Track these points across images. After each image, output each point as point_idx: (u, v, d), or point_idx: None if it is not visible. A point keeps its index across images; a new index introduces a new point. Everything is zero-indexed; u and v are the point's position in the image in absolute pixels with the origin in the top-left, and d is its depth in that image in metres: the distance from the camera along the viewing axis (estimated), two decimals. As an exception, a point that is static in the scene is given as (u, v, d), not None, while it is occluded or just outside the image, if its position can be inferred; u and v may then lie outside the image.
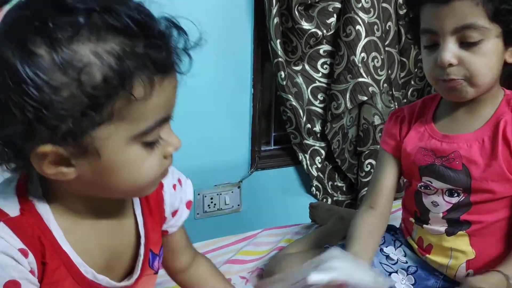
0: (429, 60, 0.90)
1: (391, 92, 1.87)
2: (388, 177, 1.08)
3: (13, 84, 0.48)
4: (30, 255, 0.57)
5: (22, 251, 0.56)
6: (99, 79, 0.50)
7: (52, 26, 0.48)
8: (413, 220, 1.05)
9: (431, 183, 0.97)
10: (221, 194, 1.87)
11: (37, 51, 0.48)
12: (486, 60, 0.84)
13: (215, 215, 1.88)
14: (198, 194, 1.84)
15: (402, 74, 1.95)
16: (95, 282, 0.64)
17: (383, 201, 1.08)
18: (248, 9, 1.71)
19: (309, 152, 1.89)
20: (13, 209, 0.58)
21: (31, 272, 0.58)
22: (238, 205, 1.92)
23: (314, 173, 1.91)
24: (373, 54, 1.77)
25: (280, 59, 1.71)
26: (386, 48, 1.83)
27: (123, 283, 0.68)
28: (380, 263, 1.08)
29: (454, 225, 0.97)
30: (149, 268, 0.72)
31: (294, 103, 1.79)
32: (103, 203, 0.64)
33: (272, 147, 1.98)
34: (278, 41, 1.68)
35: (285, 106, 1.81)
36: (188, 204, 0.80)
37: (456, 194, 0.94)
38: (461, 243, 0.97)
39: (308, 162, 1.90)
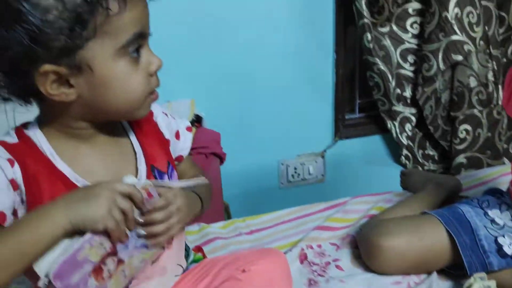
0: None
1: (488, 51, 1.71)
2: None
3: (9, 14, 0.59)
4: (16, 166, 0.65)
5: (9, 160, 0.65)
6: None
7: None
8: None
9: None
10: (304, 164, 1.84)
11: None
12: None
13: (299, 185, 1.86)
14: (282, 164, 1.82)
15: (501, 30, 1.77)
16: None
17: None
18: (329, -31, 1.64)
19: (398, 119, 1.79)
20: (11, 138, 0.69)
21: (12, 181, 0.65)
22: (322, 175, 1.88)
23: (404, 141, 1.81)
24: (468, 8, 1.62)
25: (365, 20, 1.62)
26: (482, 2, 1.66)
27: None
28: (485, 226, 1.00)
29: None
30: None
31: (382, 67, 1.70)
32: (99, 129, 0.72)
33: (357, 115, 1.90)
34: (363, 1, 1.59)
35: (371, 70, 1.72)
36: (189, 129, 0.88)
37: None
38: None
39: (397, 130, 1.80)
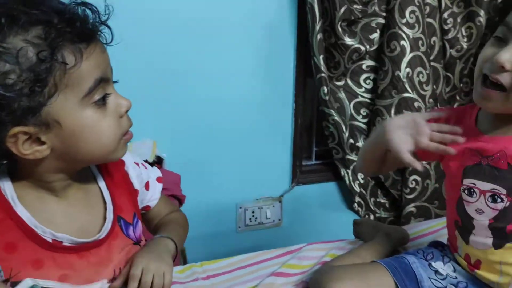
0: (488, 51, 0.87)
1: (436, 108, 1.84)
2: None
3: None
4: None
5: None
6: (34, 58, 0.60)
7: None
8: (458, 234, 1.03)
9: (475, 185, 0.95)
10: (262, 208, 1.88)
11: None
12: None
13: (256, 229, 1.89)
14: (240, 208, 1.85)
15: (447, 89, 1.92)
16: (56, 240, 0.70)
17: None
18: (291, 26, 1.73)
19: (351, 167, 1.87)
20: None
21: None
22: (279, 219, 1.92)
23: (357, 189, 1.89)
24: (418, 69, 1.75)
25: (323, 74, 1.71)
26: (431, 63, 1.80)
27: (85, 240, 0.73)
28: (429, 278, 1.06)
29: (501, 236, 0.94)
30: (124, 236, 0.77)
31: (336, 118, 1.79)
32: (70, 182, 0.72)
33: (314, 162, 1.97)
34: (321, 56, 1.69)
35: (327, 121, 1.81)
36: (159, 179, 0.90)
37: (499, 200, 0.92)
38: (510, 256, 0.94)
39: (350, 177, 1.88)
